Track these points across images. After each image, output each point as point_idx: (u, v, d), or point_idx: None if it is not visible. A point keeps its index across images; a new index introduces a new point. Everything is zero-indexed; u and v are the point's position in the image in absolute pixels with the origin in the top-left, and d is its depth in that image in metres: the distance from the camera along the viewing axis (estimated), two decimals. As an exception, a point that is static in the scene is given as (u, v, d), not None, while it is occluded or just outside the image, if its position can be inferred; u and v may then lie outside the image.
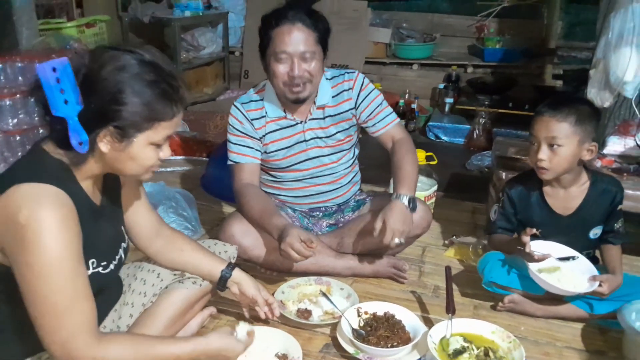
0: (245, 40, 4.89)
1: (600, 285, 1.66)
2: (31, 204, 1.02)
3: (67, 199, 1.08)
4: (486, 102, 4.02)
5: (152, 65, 1.11)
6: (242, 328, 1.41)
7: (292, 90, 1.80)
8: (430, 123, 4.02)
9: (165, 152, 1.20)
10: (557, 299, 1.78)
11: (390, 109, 2.00)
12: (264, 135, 1.93)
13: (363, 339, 1.54)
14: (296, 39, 1.74)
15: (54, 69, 1.02)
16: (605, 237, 1.83)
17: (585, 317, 1.76)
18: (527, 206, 1.83)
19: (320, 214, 2.07)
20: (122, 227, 1.36)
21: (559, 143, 1.65)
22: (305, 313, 1.73)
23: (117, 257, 1.30)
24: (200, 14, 4.44)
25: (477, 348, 1.49)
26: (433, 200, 2.41)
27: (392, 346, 1.50)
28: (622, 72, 2.29)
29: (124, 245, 1.34)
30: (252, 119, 1.91)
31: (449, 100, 4.21)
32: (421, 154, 2.40)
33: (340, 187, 2.03)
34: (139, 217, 1.43)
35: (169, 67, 1.16)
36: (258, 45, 1.85)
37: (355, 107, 1.96)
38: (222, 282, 1.49)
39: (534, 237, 1.70)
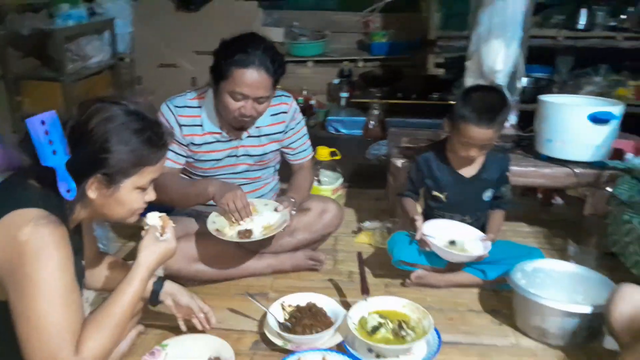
0: (135, 47, 4.76)
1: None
2: (32, 223, 1.06)
3: (62, 224, 1.11)
4: (378, 94, 4.28)
5: (137, 115, 1.18)
6: (151, 218, 1.34)
7: (239, 122, 1.84)
8: (329, 117, 4.20)
9: (150, 195, 1.27)
10: (456, 269, 2.01)
11: (309, 142, 2.14)
12: (197, 144, 1.91)
13: (289, 330, 1.65)
14: (258, 84, 1.75)
15: (43, 122, 1.07)
16: (494, 203, 2.09)
17: (480, 282, 2.01)
18: (435, 171, 2.06)
19: None
20: (82, 262, 1.37)
21: (489, 143, 1.91)
22: (247, 233, 1.83)
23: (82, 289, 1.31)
24: (85, 22, 4.25)
25: (392, 322, 1.64)
26: (340, 192, 2.56)
27: (316, 332, 1.62)
28: (493, 62, 2.58)
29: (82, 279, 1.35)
30: (183, 125, 1.89)
31: (344, 94, 4.41)
32: (325, 151, 2.54)
33: (261, 195, 2.11)
34: (89, 251, 1.45)
35: (152, 115, 1.23)
36: (211, 67, 1.81)
37: (284, 132, 2.03)
38: (154, 296, 1.52)
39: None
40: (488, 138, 1.89)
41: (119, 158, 1.15)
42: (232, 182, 1.99)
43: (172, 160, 1.90)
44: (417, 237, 1.93)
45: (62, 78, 3.88)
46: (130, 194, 1.21)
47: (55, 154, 1.10)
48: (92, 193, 1.17)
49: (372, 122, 4.03)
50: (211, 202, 1.89)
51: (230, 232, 1.85)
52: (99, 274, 1.53)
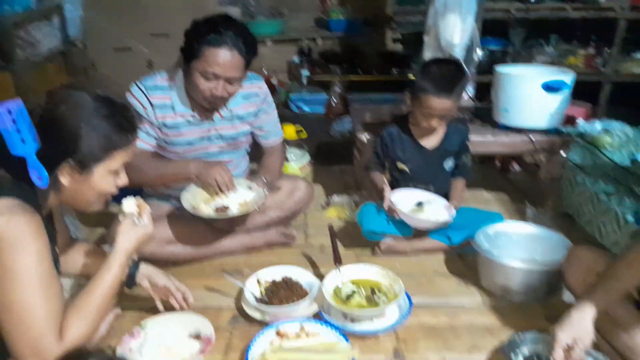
0: (87, 31, 4.61)
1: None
2: (6, 213, 1.06)
3: (37, 213, 1.11)
4: (338, 72, 4.31)
5: (106, 100, 1.19)
6: (127, 205, 1.35)
7: (210, 103, 1.84)
8: (292, 96, 4.21)
9: (123, 179, 1.27)
10: (422, 236, 2.09)
11: (279, 125, 2.16)
12: (169, 127, 1.90)
13: (266, 303, 1.69)
14: (229, 64, 1.75)
15: (9, 111, 1.07)
16: (456, 172, 2.18)
17: (446, 248, 2.10)
18: (399, 144, 2.12)
19: None
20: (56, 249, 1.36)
21: (448, 112, 1.98)
22: (224, 209, 1.87)
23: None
24: (33, 7, 4.09)
25: (365, 289, 1.72)
26: (307, 169, 2.61)
27: (293, 303, 1.67)
28: (451, 36, 2.65)
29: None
30: (155, 106, 1.87)
31: (305, 72, 4.43)
32: (291, 129, 2.57)
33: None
34: (62, 238, 1.45)
35: (121, 100, 1.24)
36: (182, 47, 1.79)
37: (257, 114, 2.04)
38: (130, 279, 1.54)
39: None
40: (447, 108, 1.97)
41: (89, 143, 1.16)
42: None
43: (144, 141, 1.89)
44: (385, 206, 2.00)
45: (12, 67, 3.73)
46: (103, 179, 1.22)
47: (24, 142, 1.10)
48: (64, 179, 1.18)
49: (334, 99, 4.07)
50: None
51: (206, 210, 1.87)
52: (73, 261, 1.53)
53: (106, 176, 1.23)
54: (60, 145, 1.14)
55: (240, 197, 1.94)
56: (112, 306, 1.60)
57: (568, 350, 1.33)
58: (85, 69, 4.66)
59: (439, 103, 1.95)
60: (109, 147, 1.19)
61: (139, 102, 1.86)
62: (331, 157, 3.13)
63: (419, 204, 2.06)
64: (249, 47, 1.79)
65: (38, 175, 1.12)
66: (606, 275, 1.38)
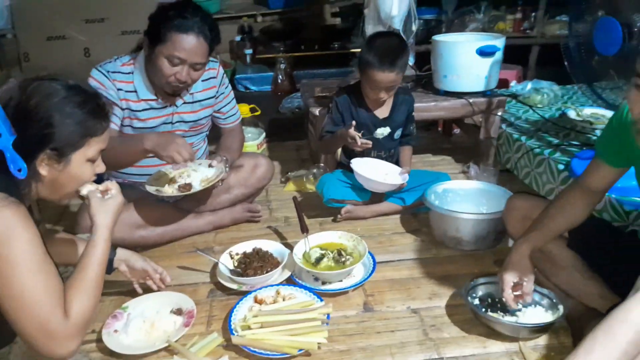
0: (16, 21, 4.41)
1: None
2: None
3: (21, 204, 1.12)
4: (281, 49, 4.35)
5: (77, 88, 1.22)
6: (84, 188, 1.33)
7: (172, 88, 1.86)
8: (237, 76, 4.23)
9: (100, 167, 1.31)
10: (379, 201, 2.24)
11: (237, 107, 2.21)
12: (133, 110, 1.92)
13: (241, 274, 1.80)
14: (195, 50, 1.78)
15: None
16: (403, 140, 2.33)
17: (400, 209, 2.26)
18: (353, 111, 2.22)
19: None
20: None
21: (394, 84, 2.09)
22: (187, 186, 1.94)
23: None
24: (-46, -2, 3.89)
25: (332, 252, 1.85)
26: (265, 146, 2.69)
27: (267, 272, 1.77)
28: (389, 8, 2.76)
29: None
30: (119, 89, 1.88)
31: (248, 51, 4.44)
32: (245, 108, 2.63)
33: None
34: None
35: (91, 88, 1.27)
36: (146, 31, 1.82)
37: (216, 97, 2.09)
38: (109, 265, 1.59)
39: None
40: (392, 80, 2.08)
41: (64, 131, 1.19)
42: None
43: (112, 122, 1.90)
44: (352, 137, 2.04)
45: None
46: (81, 167, 1.26)
47: (0, 135, 1.12)
48: (43, 170, 1.20)
49: (280, 77, 4.13)
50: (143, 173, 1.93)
51: (170, 190, 1.94)
52: (52, 250, 1.56)
53: (84, 164, 1.26)
54: (36, 135, 1.16)
55: (202, 174, 2.01)
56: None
57: (517, 288, 1.51)
58: (18, 61, 4.49)
59: (384, 76, 2.06)
60: (84, 134, 1.22)
61: (102, 85, 1.86)
62: (284, 134, 3.22)
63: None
64: (213, 34, 1.85)
65: (17, 167, 1.14)
66: (540, 218, 1.52)
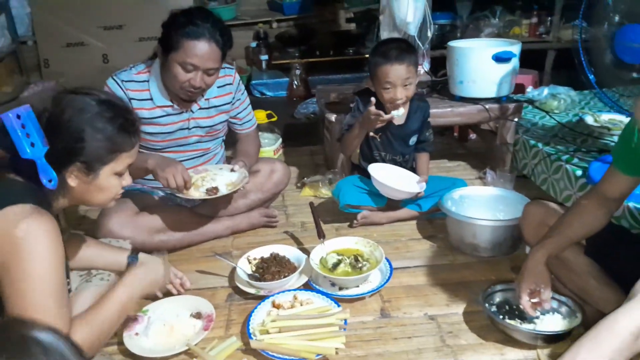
0: (37, 28, 4.51)
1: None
2: (28, 219, 1.10)
3: (52, 216, 1.16)
4: (296, 54, 4.39)
5: (109, 104, 1.25)
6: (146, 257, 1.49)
7: (187, 94, 1.90)
8: (253, 82, 4.27)
9: (127, 180, 1.34)
10: (395, 207, 2.25)
11: (252, 112, 2.25)
12: (145, 118, 1.94)
13: (259, 279, 1.82)
14: (208, 56, 1.82)
15: (18, 116, 1.12)
16: (419, 146, 2.33)
17: (417, 215, 2.27)
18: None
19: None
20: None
21: (410, 82, 2.09)
22: (214, 190, 1.99)
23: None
24: (-23, 6, 3.98)
25: (349, 257, 1.86)
26: (281, 152, 2.71)
27: (284, 277, 1.80)
28: (404, 14, 2.77)
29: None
30: (132, 99, 1.92)
31: (264, 57, 4.48)
32: (262, 114, 2.66)
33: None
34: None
35: (122, 103, 1.30)
36: (160, 39, 1.86)
37: (232, 103, 2.12)
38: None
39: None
40: (403, 74, 2.07)
41: (95, 146, 1.22)
42: (184, 154, 2.08)
43: None
44: (374, 114, 2.06)
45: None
46: (109, 180, 1.29)
47: (33, 146, 1.16)
48: (72, 181, 1.24)
49: (295, 82, 4.16)
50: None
51: (197, 194, 1.98)
52: (76, 254, 1.59)
53: (112, 177, 1.29)
54: (66, 148, 1.20)
55: (226, 179, 2.05)
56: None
57: (534, 295, 1.51)
58: (38, 67, 4.57)
59: (393, 70, 2.06)
60: (113, 149, 1.26)
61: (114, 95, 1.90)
62: (299, 139, 3.24)
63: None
64: (225, 39, 1.87)
65: (47, 177, 1.18)
66: (557, 225, 1.52)
